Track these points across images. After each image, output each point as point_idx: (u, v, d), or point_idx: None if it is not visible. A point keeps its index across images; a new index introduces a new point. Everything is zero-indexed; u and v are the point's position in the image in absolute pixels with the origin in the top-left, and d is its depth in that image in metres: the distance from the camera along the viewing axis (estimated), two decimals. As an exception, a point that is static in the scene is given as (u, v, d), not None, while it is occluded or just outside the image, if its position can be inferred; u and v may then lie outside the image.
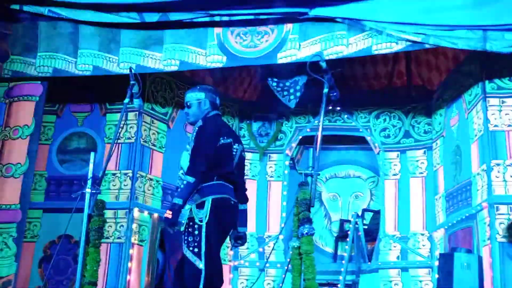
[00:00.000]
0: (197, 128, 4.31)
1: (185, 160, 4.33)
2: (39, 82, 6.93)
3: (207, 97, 4.55)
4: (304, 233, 3.64)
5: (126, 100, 4.46)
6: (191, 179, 4.09)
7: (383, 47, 6.05)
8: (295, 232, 3.88)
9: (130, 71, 4.44)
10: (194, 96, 4.56)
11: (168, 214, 4.03)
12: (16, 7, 6.66)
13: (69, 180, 7.17)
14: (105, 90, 7.23)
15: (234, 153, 4.50)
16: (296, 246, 3.76)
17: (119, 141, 7.12)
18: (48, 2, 6.51)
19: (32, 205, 6.91)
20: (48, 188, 7.19)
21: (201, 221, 4.07)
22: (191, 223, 4.10)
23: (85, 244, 3.89)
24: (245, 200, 4.52)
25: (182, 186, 4.20)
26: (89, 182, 3.97)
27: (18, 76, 6.92)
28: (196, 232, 4.04)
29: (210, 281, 3.99)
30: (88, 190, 3.96)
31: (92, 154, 4.07)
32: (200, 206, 4.16)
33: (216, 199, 4.19)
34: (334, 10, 6.04)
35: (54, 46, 6.79)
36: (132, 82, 4.44)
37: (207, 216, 4.10)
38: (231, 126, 8.47)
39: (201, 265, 3.96)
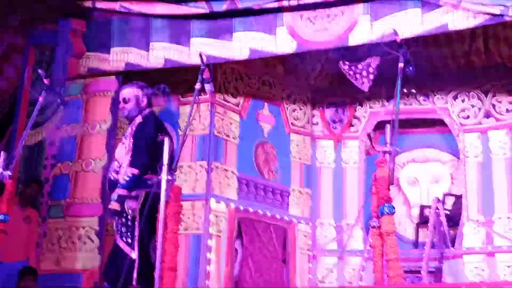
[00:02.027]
0: (137, 124, 4.63)
1: (120, 153, 4.59)
2: (114, 77, 7.04)
3: (144, 94, 4.83)
4: (385, 212, 3.53)
5: (198, 86, 4.47)
6: (135, 171, 4.40)
7: (459, 23, 5.82)
8: (374, 212, 3.77)
9: (200, 56, 4.45)
10: (132, 92, 4.80)
11: (114, 205, 4.33)
12: (89, 4, 6.80)
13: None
14: (179, 82, 7.28)
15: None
16: (376, 226, 3.65)
17: (193, 132, 7.16)
18: (120, -3, 6.63)
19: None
20: (127, 181, 7.29)
21: (134, 211, 4.31)
22: (124, 214, 4.34)
23: (163, 231, 3.91)
24: None
25: (116, 177, 4.50)
26: (164, 168, 3.98)
27: (94, 72, 7.07)
28: (130, 223, 4.29)
29: (142, 271, 4.24)
30: (163, 176, 3.98)
31: (166, 139, 4.08)
32: (135, 198, 4.40)
33: (149, 192, 4.35)
34: (406, -14, 5.85)
35: (126, 41, 6.90)
36: (202, 67, 4.44)
37: (140, 208, 4.34)
38: (303, 113, 8.39)
39: (134, 255, 4.23)
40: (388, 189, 3.59)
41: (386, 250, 3.49)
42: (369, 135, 4.62)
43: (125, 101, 4.70)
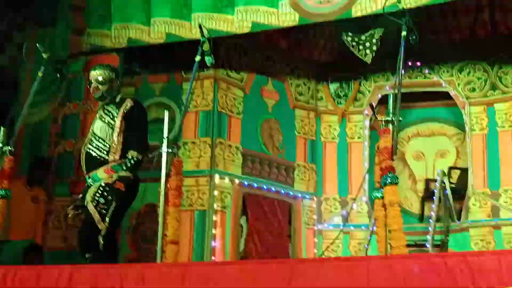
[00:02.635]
0: (129, 107, 4.62)
1: (105, 132, 4.60)
2: (116, 53, 6.99)
3: (117, 77, 4.79)
4: (388, 182, 3.49)
5: (198, 58, 4.42)
6: (140, 156, 4.48)
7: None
8: (377, 183, 3.74)
9: (200, 28, 4.38)
10: (107, 74, 4.72)
11: (119, 185, 4.41)
12: (89, -21, 6.74)
13: (151, 150, 7.24)
14: (181, 58, 7.22)
15: None
16: (379, 197, 3.62)
17: (196, 108, 7.13)
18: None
19: (116, 176, 7.02)
20: (131, 158, 7.27)
21: (120, 188, 4.43)
22: (107, 188, 4.44)
23: (165, 204, 3.89)
24: None
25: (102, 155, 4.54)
26: (165, 141, 3.95)
27: (96, 49, 7.01)
28: (109, 198, 4.40)
29: (109, 240, 4.42)
30: (164, 149, 3.95)
31: (166, 112, 4.05)
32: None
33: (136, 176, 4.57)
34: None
35: (127, 16, 6.83)
36: (202, 39, 4.38)
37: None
38: (307, 88, 8.34)
39: (103, 225, 4.34)
40: (391, 159, 3.54)
41: (389, 221, 3.45)
42: (371, 105, 4.58)
43: (99, 82, 4.64)
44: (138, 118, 4.67)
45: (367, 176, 7.45)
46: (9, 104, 7.37)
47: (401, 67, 3.65)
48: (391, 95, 3.63)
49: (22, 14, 7.70)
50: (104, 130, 4.61)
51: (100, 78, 4.64)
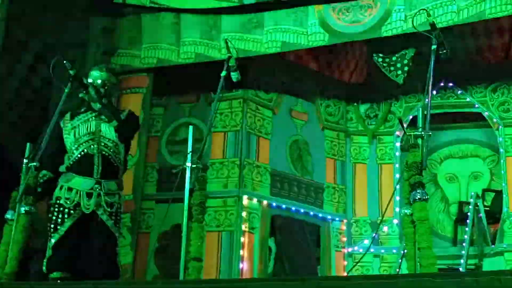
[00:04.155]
0: (134, 115, 4.90)
1: (112, 133, 4.66)
2: (145, 74, 7.03)
3: (117, 83, 4.97)
4: (417, 198, 3.39)
5: (224, 73, 4.39)
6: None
7: (498, 10, 5.63)
8: (406, 199, 3.63)
9: (226, 43, 4.36)
10: (110, 79, 4.78)
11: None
12: (119, 0, 6.80)
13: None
14: (210, 79, 7.22)
15: None
16: (408, 214, 3.51)
17: (225, 129, 7.12)
18: (150, -7, 6.62)
19: (145, 197, 7.03)
20: (160, 179, 7.29)
21: None
22: (120, 209, 4.66)
23: (188, 220, 3.84)
24: None
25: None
26: (189, 156, 3.91)
27: (125, 69, 7.06)
28: (120, 210, 4.66)
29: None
30: (188, 164, 3.91)
31: (191, 127, 4.02)
32: None
33: None
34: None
35: (157, 37, 6.89)
36: (228, 55, 4.36)
37: None
38: (337, 109, 8.27)
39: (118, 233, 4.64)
40: (421, 174, 3.45)
41: (418, 238, 3.35)
42: (400, 120, 4.48)
43: (103, 85, 4.65)
44: (134, 126, 4.93)
45: (398, 198, 7.31)
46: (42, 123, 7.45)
47: (430, 80, 3.57)
48: (420, 109, 3.55)
49: (54, 36, 7.81)
50: (111, 135, 4.62)
51: (104, 81, 4.69)
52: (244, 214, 6.86)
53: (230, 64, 4.37)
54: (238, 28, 6.63)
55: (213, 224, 6.77)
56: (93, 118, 4.71)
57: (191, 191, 3.87)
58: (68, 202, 4.48)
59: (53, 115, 4.52)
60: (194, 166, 3.87)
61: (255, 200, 7.04)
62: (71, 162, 4.63)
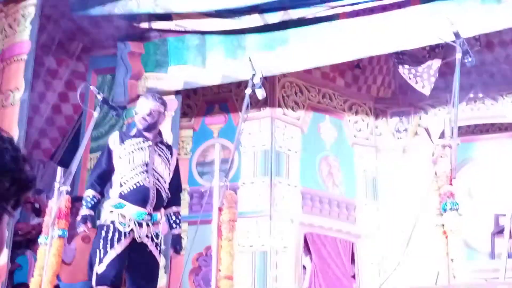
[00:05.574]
0: (175, 154, 4.77)
1: (162, 171, 4.60)
2: (174, 96, 7.08)
3: (164, 112, 4.66)
4: (447, 208, 3.33)
5: (248, 91, 4.40)
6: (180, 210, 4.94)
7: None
8: (436, 209, 3.57)
9: (250, 61, 4.38)
10: (158, 108, 4.56)
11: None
12: (145, 26, 6.89)
13: (210, 192, 7.22)
14: (237, 99, 7.27)
15: None
16: (439, 225, 3.45)
17: (254, 148, 7.12)
18: (174, 17, 6.68)
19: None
20: (191, 201, 7.30)
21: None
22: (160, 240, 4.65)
23: (218, 238, 3.83)
24: None
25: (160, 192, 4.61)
26: (216, 174, 3.91)
27: (152, 92, 7.11)
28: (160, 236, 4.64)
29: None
30: (216, 183, 3.91)
31: (217, 145, 4.02)
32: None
33: None
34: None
35: (183, 59, 6.93)
36: (252, 72, 4.37)
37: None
38: (366, 124, 8.21)
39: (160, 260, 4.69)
40: (451, 184, 3.39)
41: (450, 249, 3.28)
42: (427, 130, 4.41)
43: (151, 115, 4.52)
44: (179, 172, 4.83)
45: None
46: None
47: (457, 87, 3.52)
48: (448, 118, 3.50)
49: (82, 63, 7.96)
50: (161, 168, 4.56)
51: (152, 110, 4.53)
52: (276, 233, 6.82)
53: (254, 82, 4.37)
54: (262, 46, 6.66)
55: (246, 244, 6.74)
56: (147, 148, 4.56)
57: (220, 209, 3.87)
58: (124, 226, 4.41)
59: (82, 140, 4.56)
60: (222, 184, 3.87)
61: (286, 219, 6.99)
62: (125, 191, 4.47)
